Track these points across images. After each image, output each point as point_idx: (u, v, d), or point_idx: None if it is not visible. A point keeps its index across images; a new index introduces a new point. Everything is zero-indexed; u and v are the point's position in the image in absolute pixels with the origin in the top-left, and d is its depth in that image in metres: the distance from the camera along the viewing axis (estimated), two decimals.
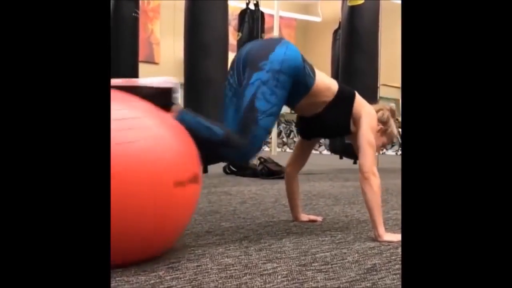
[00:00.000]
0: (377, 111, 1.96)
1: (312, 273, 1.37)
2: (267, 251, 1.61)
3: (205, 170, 3.76)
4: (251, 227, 2.04)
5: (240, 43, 5.59)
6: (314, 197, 3.09)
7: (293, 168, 2.15)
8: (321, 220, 2.21)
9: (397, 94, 16.54)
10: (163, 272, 1.35)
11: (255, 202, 2.80)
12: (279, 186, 3.65)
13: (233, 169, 4.66)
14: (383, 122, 1.95)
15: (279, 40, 1.73)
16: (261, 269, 1.39)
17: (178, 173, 1.36)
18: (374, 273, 1.38)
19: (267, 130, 1.69)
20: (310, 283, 1.28)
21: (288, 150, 13.02)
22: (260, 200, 2.87)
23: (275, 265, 1.44)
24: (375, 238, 1.80)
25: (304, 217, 2.20)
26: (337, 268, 1.42)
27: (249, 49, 1.77)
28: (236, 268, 1.40)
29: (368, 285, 1.27)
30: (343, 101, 1.87)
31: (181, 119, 1.56)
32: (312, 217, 2.22)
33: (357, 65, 4.97)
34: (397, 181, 4.17)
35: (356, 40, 4.93)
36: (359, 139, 1.85)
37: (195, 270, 1.37)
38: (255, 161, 4.61)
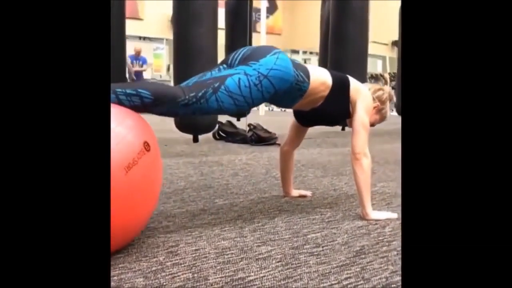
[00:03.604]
0: (378, 90, 2.02)
1: (304, 256, 1.45)
2: (261, 232, 1.68)
3: (195, 140, 3.79)
4: (244, 204, 2.11)
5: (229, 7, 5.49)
6: (303, 167, 3.17)
7: (290, 147, 2.21)
8: (310, 195, 2.29)
9: (385, 52, 16.50)
10: (164, 257, 1.42)
11: (246, 174, 2.87)
12: (268, 154, 3.72)
13: (223, 134, 4.70)
14: (381, 101, 2.01)
15: (270, 49, 1.71)
16: (256, 253, 1.47)
17: (126, 158, 1.32)
18: (363, 256, 1.47)
19: (219, 106, 1.59)
20: (303, 268, 1.36)
21: (275, 109, 13.06)
22: (251, 172, 2.94)
23: (269, 248, 1.52)
24: (363, 217, 1.89)
25: (295, 192, 2.28)
26: (328, 251, 1.51)
27: (241, 54, 1.76)
28: (232, 252, 1.48)
29: (357, 269, 1.36)
30: (339, 91, 1.91)
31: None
32: (302, 192, 2.30)
33: (347, 27, 4.95)
34: (385, 147, 4.27)
35: None
36: (354, 121, 1.90)
37: (193, 255, 1.44)
38: (245, 128, 4.66)
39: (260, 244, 1.56)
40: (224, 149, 4.08)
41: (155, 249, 1.48)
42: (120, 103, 1.45)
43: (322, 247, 1.55)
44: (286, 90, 1.73)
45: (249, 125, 4.60)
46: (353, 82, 1.96)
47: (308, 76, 1.81)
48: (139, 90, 1.47)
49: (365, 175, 1.86)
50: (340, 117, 2.00)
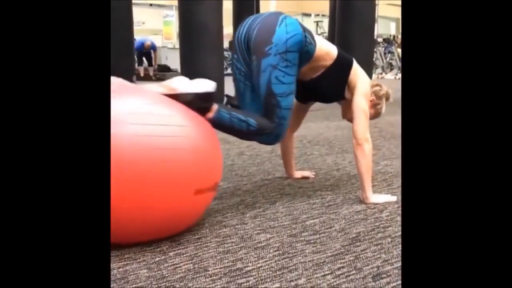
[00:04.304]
0: (375, 85, 2.04)
1: (301, 245, 1.51)
2: (262, 219, 1.75)
3: None
4: (247, 187, 2.17)
5: None
6: (308, 144, 3.21)
7: (289, 130, 2.24)
8: (313, 176, 2.35)
9: (399, 13, 16.11)
10: (167, 247, 1.49)
11: (252, 153, 2.92)
12: None
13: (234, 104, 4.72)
14: (377, 96, 2.02)
15: (276, 18, 1.74)
16: (255, 241, 1.54)
17: (201, 182, 1.47)
18: (358, 244, 1.53)
19: (290, 108, 1.79)
20: (299, 257, 1.43)
21: None
22: (257, 150, 2.99)
23: (268, 235, 1.59)
24: (362, 200, 1.94)
25: (297, 174, 2.34)
26: (324, 238, 1.57)
27: (248, 33, 1.79)
28: (232, 240, 1.55)
29: (351, 258, 1.42)
30: (340, 67, 1.93)
31: (218, 117, 1.65)
32: (305, 173, 2.35)
33: None
34: (393, 119, 4.26)
35: None
36: (353, 106, 1.92)
37: (195, 244, 1.51)
38: None
39: (259, 231, 1.63)
40: None
41: (159, 238, 1.55)
42: (231, 123, 1.68)
43: (319, 234, 1.61)
44: (301, 52, 1.78)
45: None
46: (356, 66, 1.97)
47: (314, 39, 1.83)
48: (248, 119, 1.72)
49: (366, 160, 1.90)
50: (334, 95, 2.02)
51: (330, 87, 1.96)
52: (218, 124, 1.66)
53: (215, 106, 1.65)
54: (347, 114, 2.05)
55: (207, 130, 1.55)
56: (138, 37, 10.91)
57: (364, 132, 1.89)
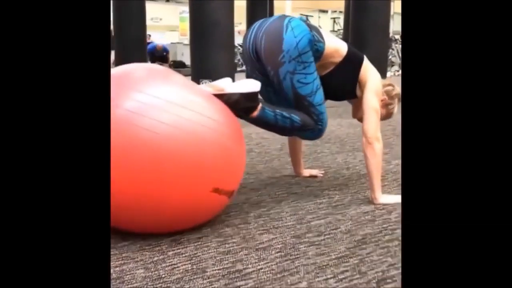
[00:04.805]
0: (387, 85, 1.98)
1: (304, 247, 1.46)
2: (266, 218, 1.70)
3: None
4: (253, 185, 2.13)
5: None
6: (319, 142, 3.14)
7: None
8: (322, 175, 2.29)
9: None
10: (166, 246, 1.46)
11: (261, 150, 2.88)
12: None
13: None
14: (389, 95, 1.96)
15: (281, 25, 1.72)
16: (257, 242, 1.49)
17: (221, 182, 1.46)
18: (363, 246, 1.47)
19: (323, 102, 1.81)
20: (302, 259, 1.38)
21: None
22: (266, 147, 2.94)
23: (271, 236, 1.54)
24: (371, 200, 1.88)
25: (306, 172, 2.28)
26: (329, 240, 1.52)
27: (255, 43, 1.79)
28: (234, 241, 1.51)
29: (355, 261, 1.37)
30: (350, 64, 1.87)
31: (263, 115, 1.69)
32: (314, 172, 2.30)
33: None
34: None
35: None
36: (364, 104, 1.86)
37: (196, 244, 1.47)
38: None
39: (262, 231, 1.58)
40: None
41: (159, 237, 1.52)
42: (275, 120, 1.71)
43: (324, 235, 1.56)
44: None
45: None
46: (367, 63, 1.91)
47: (322, 37, 1.79)
48: (292, 115, 1.74)
49: (377, 160, 1.83)
50: (344, 92, 1.96)
51: (340, 84, 1.90)
52: (263, 122, 1.72)
53: (260, 105, 1.68)
54: (358, 113, 1.99)
55: (238, 133, 1.57)
56: (154, 33, 10.98)
57: (374, 131, 1.83)
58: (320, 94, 1.79)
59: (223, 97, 1.56)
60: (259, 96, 1.76)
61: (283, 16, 1.78)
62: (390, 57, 10.91)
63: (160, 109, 1.34)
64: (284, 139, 3.22)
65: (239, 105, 1.60)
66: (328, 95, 2.03)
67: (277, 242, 1.50)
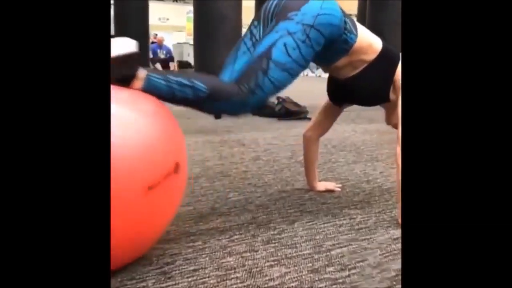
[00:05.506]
0: None
1: (326, 286, 1.17)
2: (276, 244, 1.41)
3: (218, 117, 3.52)
4: (261, 200, 1.84)
5: None
6: (333, 149, 2.85)
7: (315, 133, 1.90)
8: (339, 189, 2.00)
9: None
10: (153, 281, 1.17)
11: (269, 158, 2.59)
12: (297, 131, 3.42)
13: None
14: None
15: None
16: (266, 278, 1.20)
17: (151, 176, 1.11)
18: (399, 286, 1.18)
19: (276, 86, 1.38)
20: None
21: (310, 74, 12.61)
22: (275, 155, 2.65)
23: (283, 269, 1.25)
24: (400, 222, 1.58)
25: (321, 186, 1.99)
26: (355, 277, 1.22)
27: (278, 3, 1.47)
28: (237, 274, 1.22)
29: None
30: (385, 63, 1.58)
31: (150, 86, 1.25)
32: (330, 185, 2.00)
33: None
34: None
35: None
36: (400, 109, 1.56)
37: (189, 279, 1.19)
38: (273, 100, 4.34)
39: (272, 263, 1.29)
40: (249, 124, 3.79)
41: (147, 268, 1.24)
42: (170, 91, 1.27)
43: (349, 270, 1.26)
44: (333, 40, 1.46)
45: (277, 97, 4.29)
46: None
47: (356, 28, 1.51)
48: (195, 82, 1.29)
49: None
50: (378, 96, 1.65)
51: (372, 87, 1.61)
52: (155, 95, 1.26)
53: (142, 73, 1.25)
54: (393, 119, 1.70)
55: (149, 110, 1.19)
56: (160, 33, 10.78)
57: None
58: (284, 77, 1.38)
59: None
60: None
61: None
62: None
63: None
64: (294, 146, 2.93)
65: (113, 76, 1.14)
66: (355, 99, 1.74)
67: (291, 278, 1.21)
